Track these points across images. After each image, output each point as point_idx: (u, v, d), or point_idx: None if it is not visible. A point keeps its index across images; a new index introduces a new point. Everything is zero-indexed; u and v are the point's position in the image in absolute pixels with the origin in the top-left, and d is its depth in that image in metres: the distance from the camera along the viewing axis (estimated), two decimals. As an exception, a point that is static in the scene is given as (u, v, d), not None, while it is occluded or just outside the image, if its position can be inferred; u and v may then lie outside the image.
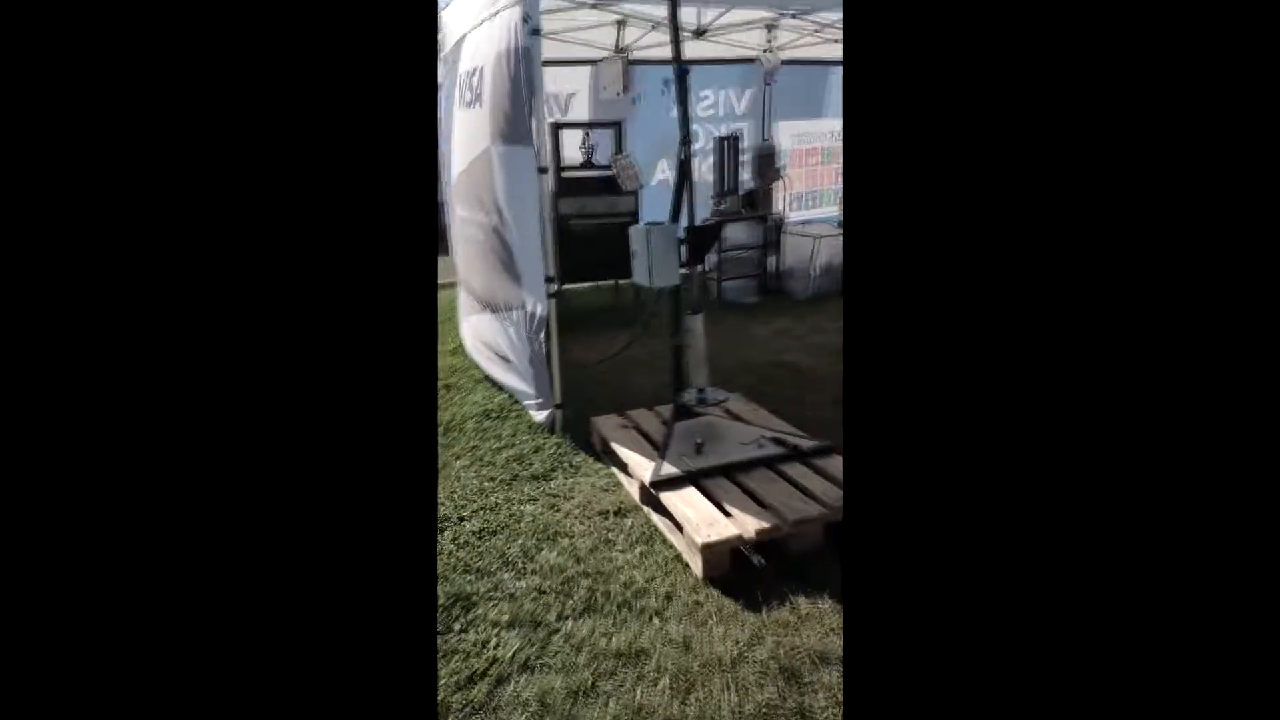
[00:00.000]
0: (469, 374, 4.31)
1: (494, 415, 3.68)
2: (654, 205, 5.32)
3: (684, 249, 2.95)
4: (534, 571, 2.39)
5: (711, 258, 5.84)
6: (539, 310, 3.31)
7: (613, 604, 2.19)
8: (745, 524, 2.37)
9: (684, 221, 2.97)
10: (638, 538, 2.56)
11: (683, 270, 2.99)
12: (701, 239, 3.00)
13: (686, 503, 2.51)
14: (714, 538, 2.28)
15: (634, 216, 5.30)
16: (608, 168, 5.38)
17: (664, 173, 6.35)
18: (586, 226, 5.33)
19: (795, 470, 2.70)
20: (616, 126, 5.63)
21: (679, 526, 2.47)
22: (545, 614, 2.17)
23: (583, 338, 4.79)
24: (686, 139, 2.95)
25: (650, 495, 2.66)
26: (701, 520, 2.38)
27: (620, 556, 2.45)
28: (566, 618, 2.15)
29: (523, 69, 3.08)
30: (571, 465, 3.13)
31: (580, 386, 3.85)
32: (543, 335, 3.33)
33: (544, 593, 2.27)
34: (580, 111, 6.13)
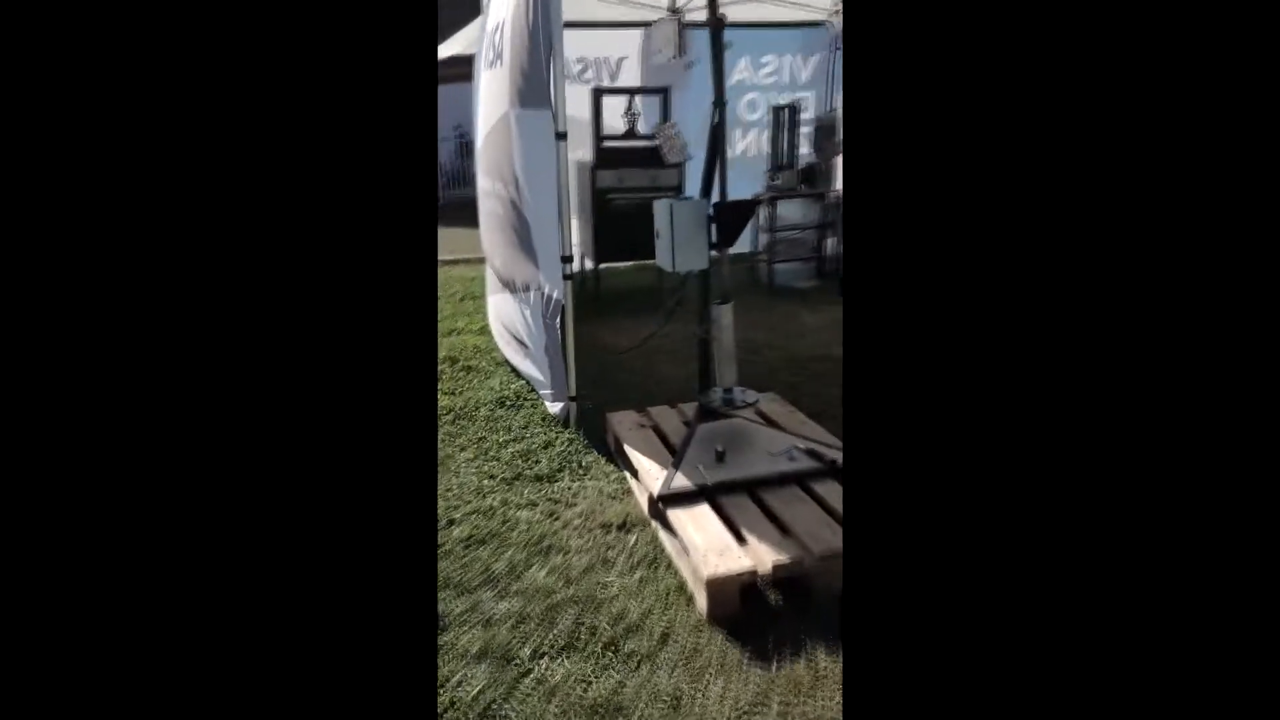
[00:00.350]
0: (491, 355, 4.05)
1: (508, 403, 3.41)
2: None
3: (714, 228, 2.59)
4: (518, 592, 2.10)
5: (763, 238, 5.42)
6: (555, 293, 3.00)
7: (598, 642, 1.89)
8: (761, 555, 2.02)
9: (715, 197, 2.61)
10: (640, 559, 2.24)
11: (712, 253, 2.63)
12: (734, 217, 2.62)
13: (696, 524, 2.17)
14: (722, 571, 1.94)
15: (678, 191, 4.91)
16: (652, 138, 5.00)
17: (717, 145, 5.92)
18: (626, 201, 4.97)
19: (827, 489, 2.33)
20: (663, 93, 5.23)
21: (687, 550, 2.14)
22: (520, 648, 1.88)
23: (621, 320, 4.47)
24: (720, 101, 2.58)
25: (660, 509, 2.34)
26: (711, 547, 2.04)
27: (616, 582, 2.14)
28: (543, 655, 1.86)
29: (541, 21, 2.74)
30: (581, 466, 2.83)
31: (606, 374, 3.54)
32: (558, 320, 3.02)
33: (524, 620, 1.98)
34: (631, 77, 5.74)
